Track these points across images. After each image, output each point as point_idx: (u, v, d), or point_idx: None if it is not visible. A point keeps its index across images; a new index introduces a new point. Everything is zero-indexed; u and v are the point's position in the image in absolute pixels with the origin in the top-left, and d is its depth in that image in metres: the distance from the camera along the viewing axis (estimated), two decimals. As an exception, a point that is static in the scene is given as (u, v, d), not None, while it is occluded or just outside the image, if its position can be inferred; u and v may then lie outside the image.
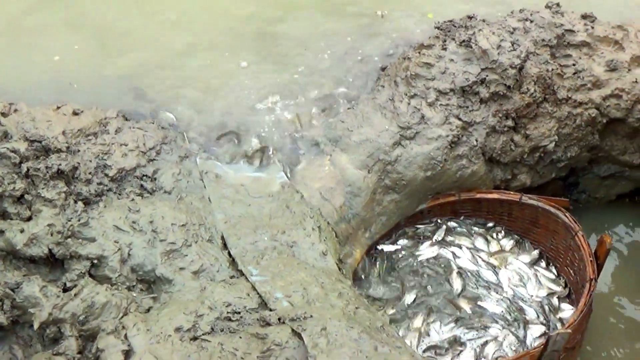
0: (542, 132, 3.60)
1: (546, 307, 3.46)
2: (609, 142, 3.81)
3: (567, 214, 3.49)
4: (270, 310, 2.62)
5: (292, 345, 2.41)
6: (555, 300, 3.50)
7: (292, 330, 2.46)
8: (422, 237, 3.70)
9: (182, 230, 2.97)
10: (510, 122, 3.53)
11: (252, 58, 3.82)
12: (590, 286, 3.19)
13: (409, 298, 3.47)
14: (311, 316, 2.51)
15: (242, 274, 2.86)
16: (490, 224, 3.78)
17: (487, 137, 3.51)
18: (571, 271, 3.54)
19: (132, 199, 3.06)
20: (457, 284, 3.51)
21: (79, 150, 3.15)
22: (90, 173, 3.10)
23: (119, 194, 3.12)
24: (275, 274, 2.82)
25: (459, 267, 3.57)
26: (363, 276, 3.52)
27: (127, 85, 3.65)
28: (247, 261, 2.90)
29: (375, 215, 3.47)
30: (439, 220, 3.75)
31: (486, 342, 3.28)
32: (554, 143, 3.62)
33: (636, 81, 3.61)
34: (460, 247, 3.65)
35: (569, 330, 2.85)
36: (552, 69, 3.54)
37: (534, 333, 3.33)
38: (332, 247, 3.11)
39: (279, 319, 2.53)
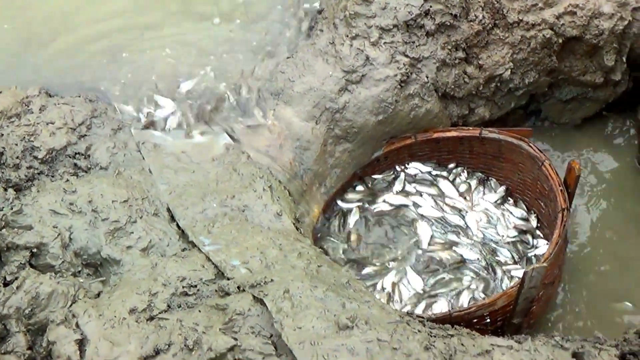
0: (495, 60, 3.67)
1: (519, 246, 3.58)
2: (567, 64, 3.89)
3: (531, 144, 3.58)
4: (228, 279, 2.68)
5: (255, 313, 2.48)
6: (528, 237, 3.62)
7: (254, 297, 2.52)
8: (380, 189, 3.77)
9: (125, 206, 3.01)
10: (461, 54, 3.61)
11: (179, 18, 3.87)
12: (562, 217, 3.28)
13: (378, 254, 3.57)
14: (272, 280, 2.57)
15: (194, 245, 2.91)
16: (452, 165, 3.86)
17: (437, 72, 3.57)
18: (542, 204, 3.65)
19: (67, 180, 3.09)
20: (423, 234, 3.60)
21: (1, 135, 3.16)
22: (17, 157, 3.13)
23: (52, 176, 3.15)
24: (229, 241, 2.88)
25: (423, 216, 3.66)
26: (323, 235, 3.63)
27: (50, 61, 3.67)
28: (198, 231, 2.95)
29: (329, 168, 3.54)
30: (397, 168, 3.83)
31: (460, 292, 3.38)
32: (509, 71, 3.70)
33: (590, -5, 3.71)
34: (421, 194, 3.74)
35: (545, 264, 2.95)
36: (500, -8, 3.62)
37: (509, 274, 3.45)
38: (287, 207, 3.18)
39: (239, 287, 2.60)
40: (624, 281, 3.63)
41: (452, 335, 2.49)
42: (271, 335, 2.43)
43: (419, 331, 2.44)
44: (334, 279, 2.67)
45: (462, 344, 2.43)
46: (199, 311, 2.54)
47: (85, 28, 3.82)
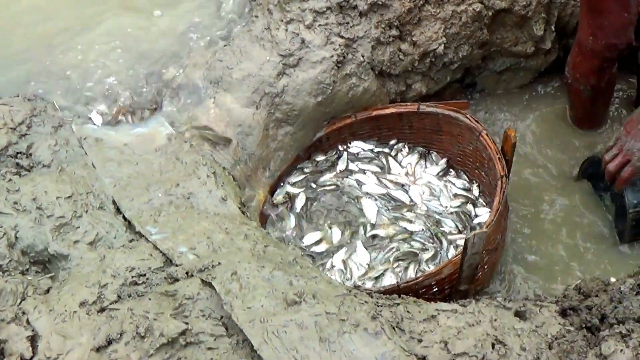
0: (429, 36, 3.73)
1: (463, 216, 3.65)
2: (499, 35, 3.96)
3: (467, 116, 3.65)
4: (177, 265, 2.71)
5: (205, 296, 2.51)
6: (470, 207, 3.69)
7: (202, 281, 2.55)
8: (324, 169, 3.83)
9: (69, 202, 3.01)
10: (394, 32, 3.66)
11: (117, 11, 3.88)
12: (502, 184, 3.36)
13: (327, 234, 3.61)
14: (219, 263, 2.61)
15: (141, 235, 2.92)
16: (393, 141, 3.92)
17: (373, 50, 3.62)
18: (482, 173, 3.73)
19: (10, 180, 3.08)
20: (369, 210, 3.65)
21: (-63, 141, 3.17)
22: (-43, 161, 3.13)
23: (-6, 177, 3.15)
24: (176, 228, 2.91)
25: (367, 193, 3.72)
26: (275, 217, 3.67)
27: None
28: (144, 221, 2.97)
29: (272, 151, 3.58)
30: (339, 147, 3.89)
31: (408, 264, 3.45)
32: (443, 45, 3.75)
33: (516, -33, 3.79)
34: (364, 172, 3.80)
35: (485, 230, 3.02)
36: (429, -31, 3.69)
37: (455, 243, 3.53)
38: (232, 192, 3.21)
39: (187, 273, 2.62)
40: (563, 242, 3.75)
41: (398, 304, 2.55)
42: (222, 317, 2.46)
43: (365, 302, 2.49)
44: (281, 258, 2.71)
45: (408, 311, 2.49)
46: (149, 299, 2.55)
47: (18, 25, 3.82)
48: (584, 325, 2.47)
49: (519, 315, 2.51)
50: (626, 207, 3.51)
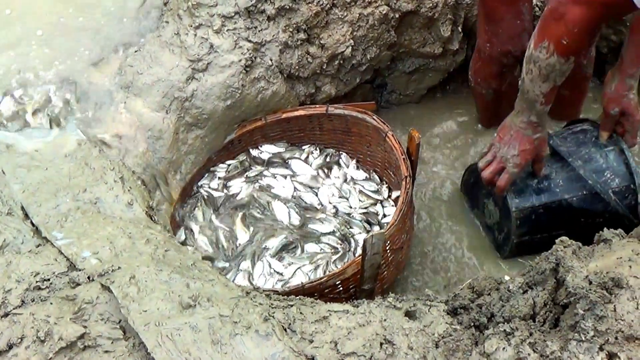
0: (336, 39, 3.85)
1: (371, 216, 3.79)
2: (407, 37, 4.10)
3: (374, 117, 3.77)
4: (79, 270, 2.80)
5: (104, 300, 2.60)
6: (378, 207, 3.83)
7: (102, 285, 2.65)
8: (234, 174, 3.94)
9: (-22, 208, 3.11)
10: (302, 35, 3.77)
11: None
12: (406, 184, 3.48)
13: (240, 238, 3.73)
14: (119, 268, 2.69)
15: (47, 240, 2.99)
16: (303, 143, 4.05)
17: (281, 54, 3.73)
18: (391, 173, 3.86)
19: None
20: (279, 214, 3.77)
21: None
22: None
23: None
24: (81, 233, 2.99)
25: (278, 197, 3.84)
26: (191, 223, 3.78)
27: None
28: (51, 226, 3.05)
29: (183, 155, 3.67)
30: (250, 150, 4.00)
31: (317, 266, 3.57)
32: (350, 48, 3.88)
33: (421, -30, 3.93)
34: (274, 176, 3.92)
35: (382, 231, 3.15)
36: (336, -26, 3.81)
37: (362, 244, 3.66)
38: (139, 196, 3.29)
39: (89, 277, 2.71)
40: (468, 244, 3.94)
41: (292, 305, 2.66)
42: (120, 321, 2.54)
43: (260, 304, 2.61)
44: (180, 262, 2.81)
45: (301, 312, 2.60)
46: (51, 303, 2.63)
47: None
48: (472, 324, 2.59)
49: (409, 315, 2.63)
50: (509, 208, 3.65)
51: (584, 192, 3.59)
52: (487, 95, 4.03)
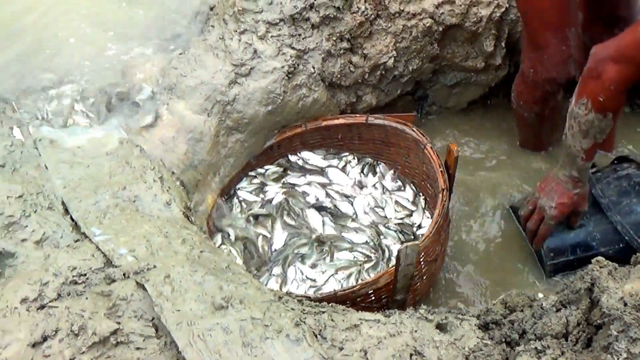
0: (379, 49, 3.85)
1: (406, 227, 3.77)
2: (449, 50, 4.08)
3: (414, 128, 3.76)
4: (116, 267, 2.82)
5: (138, 298, 2.60)
6: (414, 218, 3.81)
7: (137, 282, 2.66)
8: (272, 179, 3.94)
9: (20, 201, 3.10)
10: (345, 44, 3.77)
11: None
12: (442, 197, 3.46)
13: (276, 243, 3.73)
14: (154, 266, 2.70)
15: (86, 236, 3.01)
16: (344, 153, 4.04)
17: (323, 62, 3.74)
18: (428, 185, 3.83)
19: (-36, 178, 3.20)
20: (314, 222, 3.77)
21: None
22: None
23: (-53, 176, 3.26)
24: (119, 230, 3.00)
25: (313, 205, 3.84)
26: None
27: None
28: (90, 222, 3.07)
29: (222, 158, 3.68)
30: (289, 156, 4.00)
31: (350, 274, 3.56)
32: (393, 59, 3.87)
33: (468, -17, 3.91)
34: (311, 184, 3.91)
35: (417, 242, 3.13)
36: (381, -16, 3.80)
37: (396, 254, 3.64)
38: (177, 196, 3.30)
39: (124, 274, 2.72)
40: (503, 258, 3.89)
41: (323, 312, 2.65)
42: (152, 319, 2.55)
43: (292, 309, 2.60)
44: (214, 264, 2.81)
45: (332, 320, 2.59)
46: (86, 298, 2.65)
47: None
48: (503, 340, 2.55)
49: (440, 327, 2.61)
50: (544, 261, 3.68)
51: (621, 245, 3.57)
52: (528, 118, 4.00)
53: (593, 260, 2.61)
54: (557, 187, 3.50)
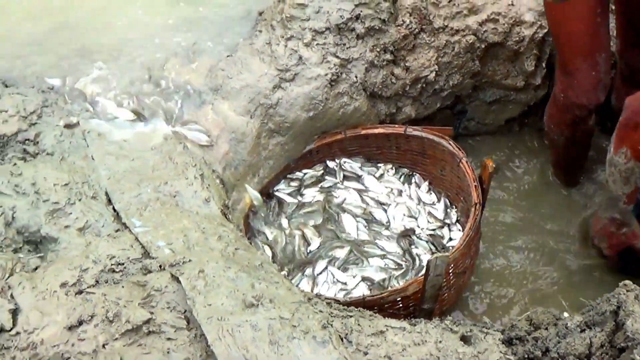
0: (421, 62, 3.88)
1: (438, 238, 3.79)
2: (491, 67, 4.10)
3: (450, 142, 3.79)
4: (153, 258, 2.87)
5: (172, 290, 2.66)
6: (445, 230, 3.83)
7: (172, 275, 2.72)
8: (310, 183, 3.99)
9: (66, 189, 3.18)
10: (389, 56, 3.81)
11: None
12: (475, 210, 3.49)
13: (312, 245, 3.77)
14: (190, 260, 2.76)
15: (126, 227, 3.08)
16: (381, 162, 4.08)
17: (366, 72, 3.78)
18: (462, 199, 3.86)
19: (15, 164, 3.26)
20: (348, 227, 3.80)
21: (-44, 121, 3.36)
22: (-30, 142, 3.33)
23: (1, 160, 3.33)
24: (158, 223, 3.07)
25: (348, 210, 3.87)
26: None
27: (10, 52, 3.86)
28: (131, 214, 3.14)
29: (262, 159, 3.74)
30: (327, 162, 4.05)
31: (379, 281, 3.59)
32: (434, 73, 3.91)
33: (512, 4, 3.90)
34: (348, 189, 3.95)
35: (447, 254, 3.16)
36: (427, -1, 3.84)
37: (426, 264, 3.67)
38: (216, 194, 3.36)
39: (160, 266, 2.79)
40: (532, 275, 3.91)
41: (351, 316, 2.69)
42: (185, 311, 2.61)
43: (320, 311, 2.63)
44: (248, 261, 2.86)
45: (359, 324, 2.62)
46: (122, 287, 2.71)
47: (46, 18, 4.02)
48: (526, 356, 2.57)
49: (464, 339, 2.62)
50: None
51: None
52: (558, 141, 3.99)
53: (620, 284, 2.62)
54: (604, 230, 3.57)
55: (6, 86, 3.63)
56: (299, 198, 3.93)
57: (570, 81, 3.65)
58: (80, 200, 3.19)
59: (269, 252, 3.67)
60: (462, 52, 3.92)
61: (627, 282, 2.61)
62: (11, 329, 2.62)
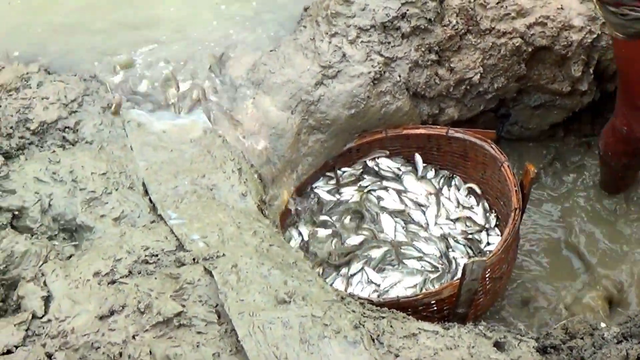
0: (466, 64, 3.80)
1: (476, 242, 3.71)
2: (536, 71, 3.99)
3: (492, 145, 3.71)
4: (187, 251, 2.85)
5: (204, 283, 2.63)
6: (483, 235, 3.75)
7: (205, 269, 2.69)
8: (349, 181, 3.92)
9: (103, 178, 3.17)
10: (433, 56, 3.74)
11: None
12: (514, 216, 3.41)
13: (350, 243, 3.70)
14: (223, 255, 2.73)
15: (161, 218, 3.06)
16: (420, 162, 3.98)
17: (410, 72, 3.71)
18: (502, 203, 3.77)
19: (53, 151, 3.26)
20: (386, 227, 3.73)
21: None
22: (11, 127, 3.30)
23: (41, 147, 3.32)
24: (193, 216, 3.04)
25: (387, 210, 3.80)
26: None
27: (54, 39, 3.87)
28: (167, 205, 3.11)
29: (301, 156, 3.69)
30: (367, 161, 3.97)
31: (416, 283, 3.51)
32: (479, 75, 3.82)
33: (561, 7, 3.79)
34: (386, 189, 3.88)
35: (484, 259, 3.09)
36: (474, 0, 3.76)
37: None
38: (254, 189, 3.32)
39: (194, 259, 2.76)
40: (566, 286, 3.83)
41: (383, 317, 2.64)
42: (216, 305, 2.58)
43: (352, 311, 2.59)
44: (282, 258, 2.81)
45: (391, 326, 2.57)
46: (155, 278, 2.69)
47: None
48: (560, 365, 2.50)
49: (498, 345, 2.57)
50: None
51: None
52: (614, 167, 3.91)
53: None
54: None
55: (49, 73, 3.63)
56: (337, 196, 3.87)
57: (637, 115, 3.54)
58: (117, 190, 3.18)
59: (304, 249, 3.62)
60: (508, 54, 3.82)
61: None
62: (43, 316, 2.62)
